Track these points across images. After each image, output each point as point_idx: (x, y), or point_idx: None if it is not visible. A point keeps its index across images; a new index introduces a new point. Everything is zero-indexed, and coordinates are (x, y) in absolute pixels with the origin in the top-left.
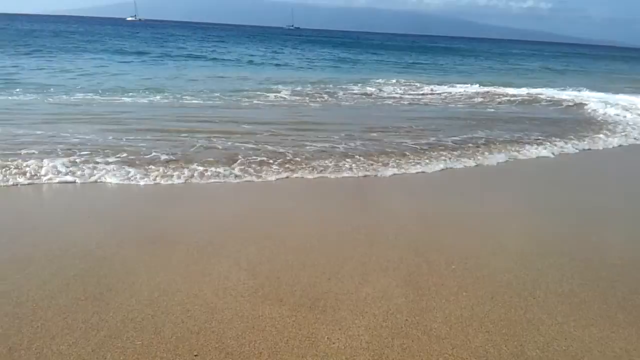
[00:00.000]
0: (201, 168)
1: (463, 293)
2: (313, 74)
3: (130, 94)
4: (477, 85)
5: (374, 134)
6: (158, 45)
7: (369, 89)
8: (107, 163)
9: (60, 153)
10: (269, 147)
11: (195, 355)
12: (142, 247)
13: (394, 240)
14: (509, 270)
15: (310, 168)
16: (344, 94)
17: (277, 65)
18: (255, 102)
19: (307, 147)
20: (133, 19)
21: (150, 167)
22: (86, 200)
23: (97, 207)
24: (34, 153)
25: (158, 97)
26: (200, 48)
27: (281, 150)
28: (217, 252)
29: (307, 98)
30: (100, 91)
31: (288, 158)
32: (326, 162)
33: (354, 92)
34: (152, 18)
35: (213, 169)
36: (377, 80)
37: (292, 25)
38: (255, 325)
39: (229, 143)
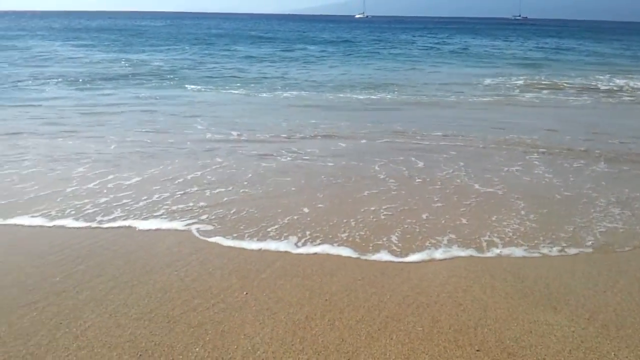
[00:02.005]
0: None
1: None
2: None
3: None
4: None
5: None
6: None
7: None
8: None
9: None
10: None
11: (477, 350)
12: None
13: None
14: None
15: None
16: None
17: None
18: None
19: None
20: (361, 16)
21: None
22: None
23: None
24: None
25: None
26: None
27: None
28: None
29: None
30: None
31: None
32: None
33: None
34: (379, 14)
35: None
36: None
37: (519, 15)
38: (532, 330)
39: None
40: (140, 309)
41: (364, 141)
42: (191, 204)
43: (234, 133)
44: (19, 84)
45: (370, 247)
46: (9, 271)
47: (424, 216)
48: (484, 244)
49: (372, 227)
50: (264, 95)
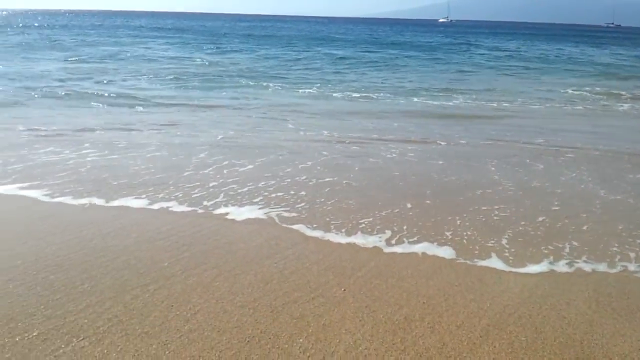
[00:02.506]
0: None
1: None
2: None
3: None
4: None
5: None
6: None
7: None
8: None
9: None
10: None
11: None
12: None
13: None
14: None
15: None
16: None
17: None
18: None
19: None
20: (445, 20)
21: None
22: None
23: None
24: None
25: None
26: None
27: None
28: None
29: None
30: None
31: None
32: None
33: None
34: (463, 18)
35: None
36: None
37: (612, 23)
38: None
39: None
40: (245, 297)
41: (463, 141)
42: (291, 194)
43: (332, 133)
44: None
45: (477, 250)
46: (120, 254)
47: (539, 219)
48: (598, 256)
49: (479, 227)
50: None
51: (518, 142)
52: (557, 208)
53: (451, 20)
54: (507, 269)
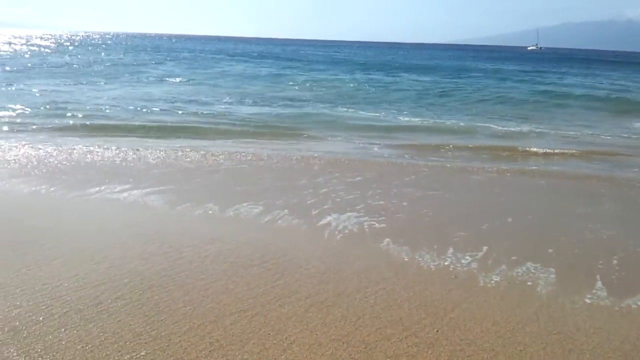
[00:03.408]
0: None
1: None
2: None
3: None
4: None
5: None
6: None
7: None
8: None
9: None
10: None
11: None
12: None
13: None
14: None
15: None
16: None
17: None
18: None
19: None
20: (534, 47)
21: None
22: None
23: None
24: None
25: None
26: None
27: None
28: None
29: None
30: None
31: None
32: None
33: None
34: (553, 46)
35: None
36: None
37: None
38: None
39: None
40: (338, 331)
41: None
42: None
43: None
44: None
45: (582, 277)
46: (218, 278)
47: None
48: None
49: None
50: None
51: None
52: None
53: (541, 48)
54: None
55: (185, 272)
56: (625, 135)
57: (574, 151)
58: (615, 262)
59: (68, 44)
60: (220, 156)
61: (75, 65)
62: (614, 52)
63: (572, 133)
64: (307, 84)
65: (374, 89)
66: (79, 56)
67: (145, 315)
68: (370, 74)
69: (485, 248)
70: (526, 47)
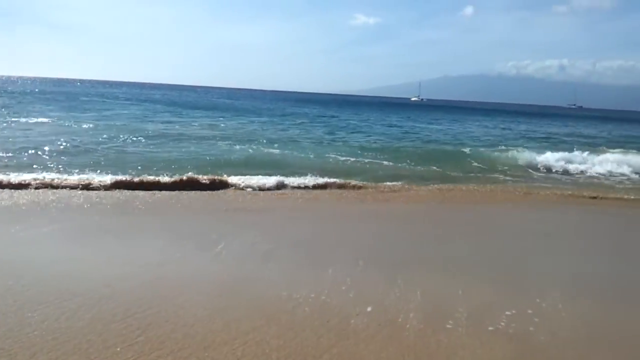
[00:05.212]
0: None
1: None
2: None
3: None
4: None
5: None
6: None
7: None
8: None
9: None
10: None
11: None
12: None
13: None
14: None
15: None
16: None
17: None
18: None
19: None
20: (417, 99)
21: None
22: None
23: None
24: None
25: None
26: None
27: None
28: None
29: None
30: None
31: None
32: None
33: None
34: (434, 97)
35: None
36: None
37: (574, 104)
38: None
39: None
40: None
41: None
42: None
43: None
44: None
45: (445, 315)
46: (72, 337)
47: None
48: None
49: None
50: None
51: None
52: None
53: (422, 99)
54: None
55: (36, 332)
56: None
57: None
58: (474, 302)
59: None
60: None
61: None
62: (484, 102)
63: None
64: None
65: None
66: None
67: None
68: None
69: (354, 289)
70: (409, 99)
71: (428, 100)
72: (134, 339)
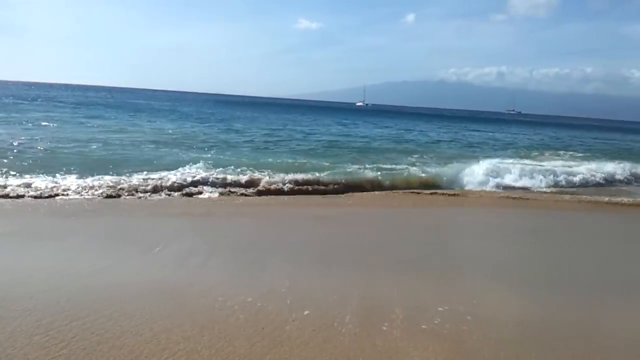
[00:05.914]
0: None
1: None
2: None
3: None
4: None
5: None
6: None
7: None
8: None
9: None
10: None
11: None
12: None
13: None
14: None
15: None
16: None
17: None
18: None
19: None
20: (362, 104)
21: None
22: None
23: None
24: None
25: None
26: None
27: None
28: None
29: None
30: None
31: None
32: None
33: None
34: (379, 102)
35: None
36: None
37: (513, 110)
38: None
39: None
40: None
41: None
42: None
43: None
44: None
45: (380, 318)
46: None
47: None
48: None
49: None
50: None
51: None
52: None
53: (367, 104)
54: None
55: None
56: None
57: None
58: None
59: None
60: None
61: None
62: (426, 108)
63: None
64: None
65: None
66: None
67: None
68: None
69: (291, 295)
70: (355, 104)
71: (373, 105)
72: (57, 352)
